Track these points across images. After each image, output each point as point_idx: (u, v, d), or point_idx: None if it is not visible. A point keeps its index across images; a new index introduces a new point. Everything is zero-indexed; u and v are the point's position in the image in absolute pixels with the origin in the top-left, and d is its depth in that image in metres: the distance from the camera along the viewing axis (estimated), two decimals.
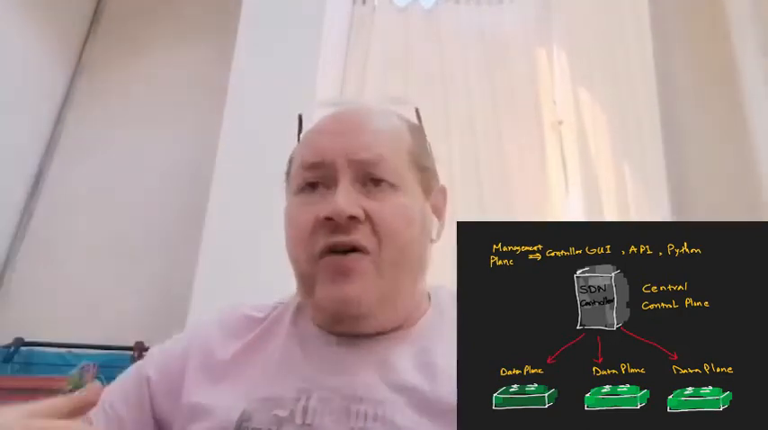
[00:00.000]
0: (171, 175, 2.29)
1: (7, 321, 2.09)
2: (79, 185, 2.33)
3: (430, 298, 0.70)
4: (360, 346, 0.63)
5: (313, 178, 0.64)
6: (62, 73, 2.52)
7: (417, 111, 0.76)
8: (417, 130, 0.73)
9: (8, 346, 1.99)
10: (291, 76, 1.97)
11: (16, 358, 1.99)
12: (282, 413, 0.58)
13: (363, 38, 2.44)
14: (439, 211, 0.71)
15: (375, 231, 0.61)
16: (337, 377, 0.60)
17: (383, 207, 0.62)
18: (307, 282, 0.63)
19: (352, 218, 0.60)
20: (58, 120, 2.47)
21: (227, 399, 0.61)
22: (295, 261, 0.64)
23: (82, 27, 2.63)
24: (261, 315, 0.71)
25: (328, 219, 0.60)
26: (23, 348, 2.01)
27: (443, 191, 0.73)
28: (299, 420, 0.57)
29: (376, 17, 2.48)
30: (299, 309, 0.70)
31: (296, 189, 0.66)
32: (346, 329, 0.63)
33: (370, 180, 0.64)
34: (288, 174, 0.72)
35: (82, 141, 2.44)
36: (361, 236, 0.61)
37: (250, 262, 1.66)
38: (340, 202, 0.60)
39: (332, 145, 0.65)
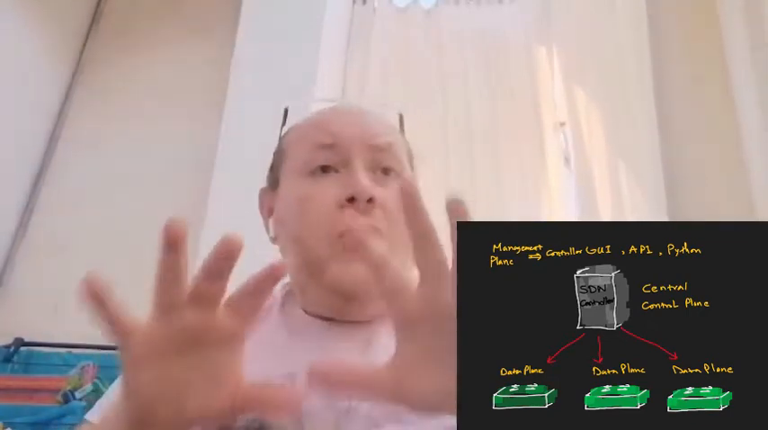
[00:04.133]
0: (171, 174, 2.29)
1: (7, 321, 2.09)
2: (80, 184, 2.34)
3: None
4: (346, 331, 0.63)
5: (325, 161, 0.64)
6: (63, 71, 2.52)
7: (401, 117, 0.77)
8: (401, 133, 0.75)
9: (8, 346, 1.99)
10: (291, 76, 1.97)
11: (16, 358, 1.99)
12: None
13: (363, 38, 2.44)
14: None
15: (387, 216, 0.62)
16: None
17: (393, 194, 0.62)
18: (317, 264, 0.63)
19: (371, 200, 0.61)
20: (59, 118, 2.47)
21: None
22: (305, 243, 0.64)
23: (82, 26, 2.63)
24: None
25: (350, 200, 0.61)
26: (23, 348, 2.01)
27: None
28: None
29: (376, 17, 2.49)
30: (286, 299, 0.70)
31: (305, 171, 0.65)
32: (351, 313, 0.64)
33: (380, 168, 0.65)
34: (275, 166, 0.72)
35: (82, 140, 2.44)
36: (376, 219, 0.62)
37: (250, 261, 1.65)
38: (363, 182, 0.61)
39: (347, 128, 0.65)
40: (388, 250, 0.61)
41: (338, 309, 0.64)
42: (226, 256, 0.41)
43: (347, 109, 0.71)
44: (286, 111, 0.76)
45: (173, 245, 0.40)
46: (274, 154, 0.73)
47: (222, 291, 0.42)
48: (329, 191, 0.62)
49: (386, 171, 0.65)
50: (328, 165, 0.64)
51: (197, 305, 0.41)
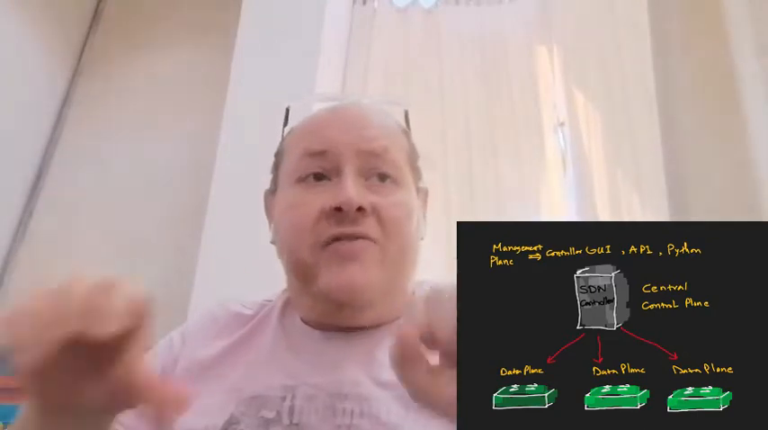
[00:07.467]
0: (171, 175, 2.29)
1: None
2: (79, 185, 2.33)
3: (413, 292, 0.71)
4: (345, 342, 0.63)
5: (317, 168, 0.64)
6: (62, 73, 2.52)
7: (407, 113, 0.77)
8: (406, 132, 0.73)
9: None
10: (291, 76, 1.97)
11: None
12: (269, 414, 0.58)
13: (363, 38, 2.44)
14: (423, 211, 0.73)
15: (381, 224, 0.61)
16: (322, 373, 0.60)
17: (387, 201, 0.63)
18: (306, 272, 0.63)
19: (360, 209, 0.60)
20: (59, 119, 2.47)
21: (213, 398, 0.60)
22: (294, 250, 0.64)
23: (82, 27, 2.63)
24: (250, 312, 0.71)
25: (337, 209, 0.60)
26: None
27: (426, 192, 0.74)
28: (285, 420, 0.57)
29: (376, 17, 2.49)
30: (285, 306, 0.70)
31: (297, 178, 0.65)
32: (344, 320, 0.63)
33: (376, 174, 0.64)
34: (276, 167, 0.72)
35: (82, 141, 2.44)
36: (367, 227, 0.61)
37: (250, 262, 1.66)
38: (350, 192, 0.60)
39: (339, 134, 0.65)
40: (382, 258, 0.61)
41: (331, 316, 0.64)
42: None
43: (343, 112, 0.69)
44: (287, 111, 0.76)
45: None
46: (275, 155, 0.73)
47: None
48: (318, 199, 0.62)
49: (382, 177, 0.64)
50: (320, 172, 0.64)
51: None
